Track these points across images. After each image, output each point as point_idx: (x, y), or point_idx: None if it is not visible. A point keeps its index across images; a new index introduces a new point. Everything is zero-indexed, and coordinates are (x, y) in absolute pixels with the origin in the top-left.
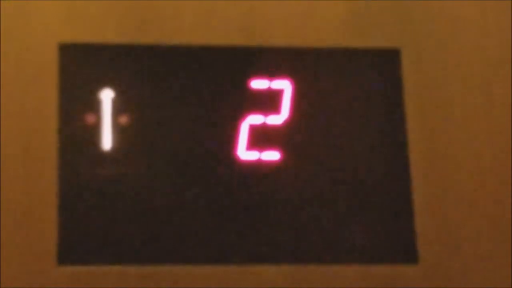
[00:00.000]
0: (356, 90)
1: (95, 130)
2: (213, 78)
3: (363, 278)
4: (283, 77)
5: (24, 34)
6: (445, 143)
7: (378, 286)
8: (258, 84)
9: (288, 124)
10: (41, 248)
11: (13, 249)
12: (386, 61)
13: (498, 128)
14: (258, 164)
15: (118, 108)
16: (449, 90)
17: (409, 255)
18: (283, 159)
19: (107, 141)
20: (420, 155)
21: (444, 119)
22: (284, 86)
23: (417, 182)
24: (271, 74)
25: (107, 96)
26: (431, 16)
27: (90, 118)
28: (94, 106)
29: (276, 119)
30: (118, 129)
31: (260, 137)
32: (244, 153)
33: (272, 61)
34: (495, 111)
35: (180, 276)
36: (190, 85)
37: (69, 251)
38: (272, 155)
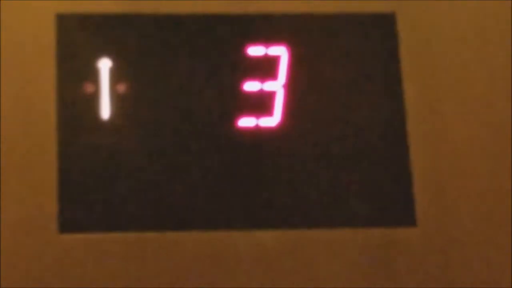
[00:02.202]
0: (353, 55)
1: (93, 100)
2: (209, 46)
3: (362, 241)
4: (279, 44)
5: (21, 5)
6: (443, 105)
7: (377, 249)
8: (254, 51)
9: (285, 90)
10: (42, 218)
11: (14, 220)
12: (382, 26)
13: (497, 89)
14: (256, 130)
15: (116, 77)
16: (445, 53)
17: (407, 217)
18: (280, 126)
19: (105, 110)
20: (418, 119)
21: (441, 83)
22: (281, 52)
23: (415, 145)
24: (267, 40)
25: (105, 65)
26: None
27: (88, 88)
28: (92, 76)
29: (273, 86)
30: (116, 98)
31: (257, 104)
32: (241, 120)
33: (268, 27)
34: (493, 72)
35: (180, 242)
36: (187, 53)
37: (70, 220)
38: (270, 121)
